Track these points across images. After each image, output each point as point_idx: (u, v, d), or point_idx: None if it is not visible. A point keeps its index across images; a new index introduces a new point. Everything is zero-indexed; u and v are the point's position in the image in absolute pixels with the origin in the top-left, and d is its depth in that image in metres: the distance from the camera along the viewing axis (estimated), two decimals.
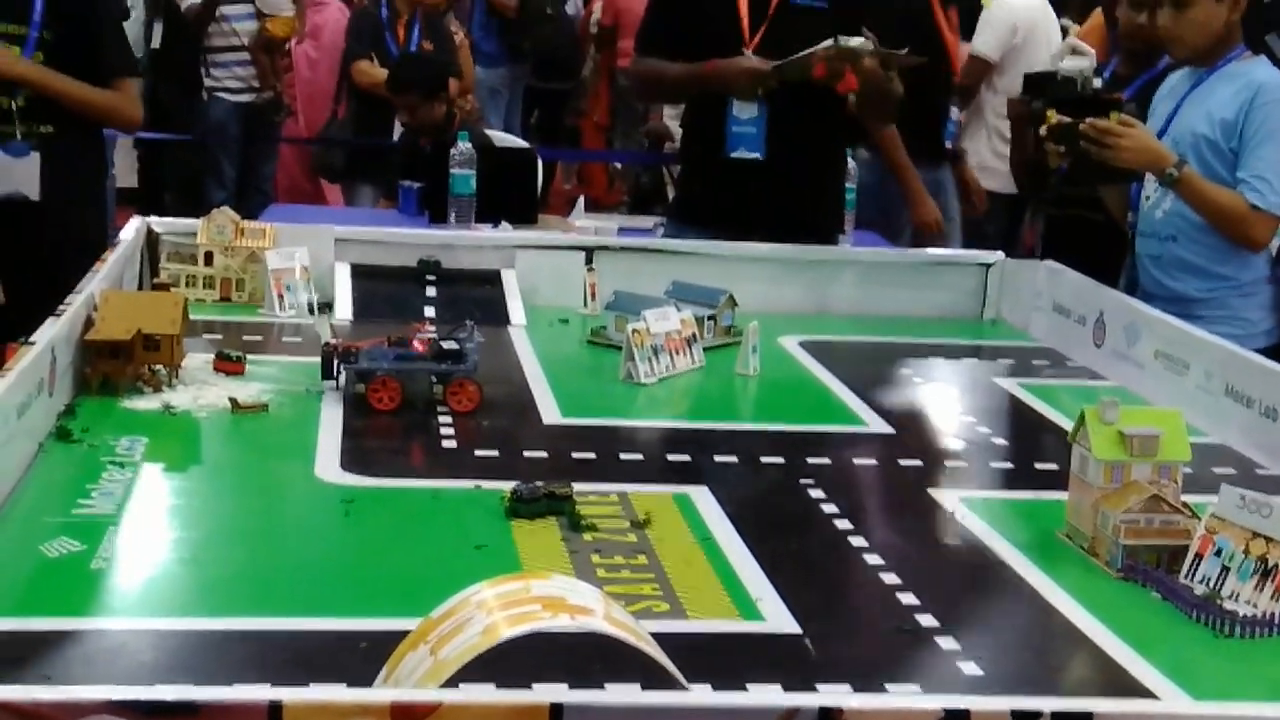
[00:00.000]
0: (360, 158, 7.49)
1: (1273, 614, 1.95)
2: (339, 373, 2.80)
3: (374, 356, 2.79)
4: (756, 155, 4.01)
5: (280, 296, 3.46)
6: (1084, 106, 3.53)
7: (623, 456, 2.62)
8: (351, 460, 2.47)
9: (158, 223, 3.64)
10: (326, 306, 3.29)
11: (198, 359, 2.93)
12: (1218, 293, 3.44)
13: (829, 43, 3.72)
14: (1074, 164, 3.46)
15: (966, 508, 2.41)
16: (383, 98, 7.04)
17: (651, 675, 1.54)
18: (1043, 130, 3.54)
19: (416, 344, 2.81)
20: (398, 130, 7.11)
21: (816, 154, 4.17)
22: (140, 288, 3.47)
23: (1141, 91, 4.02)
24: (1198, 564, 2.05)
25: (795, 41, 3.88)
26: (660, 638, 1.62)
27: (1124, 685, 1.79)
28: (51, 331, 2.56)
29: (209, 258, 3.54)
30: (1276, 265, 3.65)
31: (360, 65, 7.37)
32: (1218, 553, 2.04)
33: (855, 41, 3.69)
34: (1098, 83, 3.56)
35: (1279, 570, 1.97)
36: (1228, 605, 1.97)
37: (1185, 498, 2.17)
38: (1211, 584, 2.03)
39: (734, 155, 4.02)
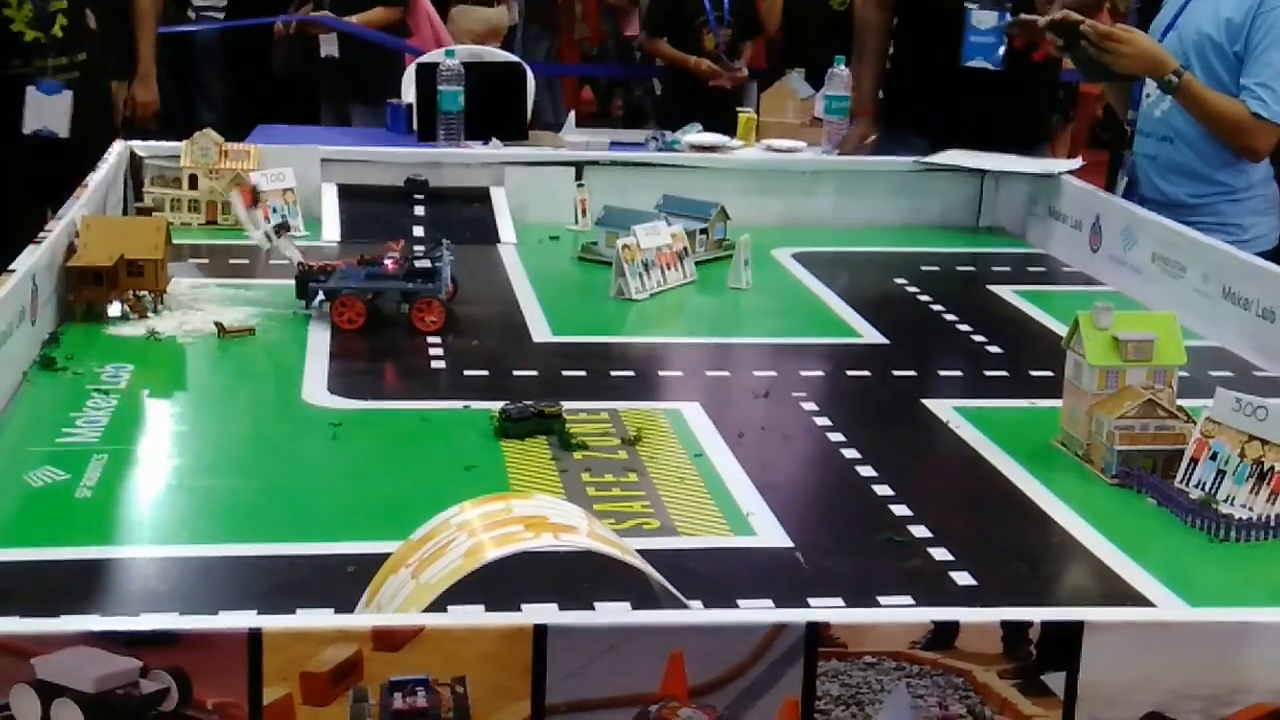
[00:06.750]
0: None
1: (1269, 517, 1.93)
2: (314, 293, 2.77)
3: (345, 276, 2.76)
4: (989, 65, 4.04)
5: (267, 219, 3.41)
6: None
7: (614, 373, 2.59)
8: (339, 383, 2.45)
9: (141, 146, 3.59)
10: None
11: (183, 284, 2.90)
12: (1210, 199, 3.38)
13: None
14: (1075, 60, 3.41)
15: (960, 417, 2.39)
16: None
17: (645, 593, 1.53)
18: (1042, 22, 3.48)
19: (388, 263, 2.78)
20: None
21: (1033, 65, 4.20)
22: (124, 213, 3.43)
23: None
24: (1193, 468, 2.04)
25: None
26: (652, 555, 1.61)
27: (1119, 592, 1.78)
28: (32, 259, 2.53)
29: (193, 181, 3.50)
30: None
31: None
32: (1213, 457, 2.02)
33: None
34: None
35: (1275, 473, 1.95)
36: (1223, 509, 1.96)
37: (1183, 401, 2.15)
38: (1207, 488, 2.01)
39: (969, 64, 4.03)
